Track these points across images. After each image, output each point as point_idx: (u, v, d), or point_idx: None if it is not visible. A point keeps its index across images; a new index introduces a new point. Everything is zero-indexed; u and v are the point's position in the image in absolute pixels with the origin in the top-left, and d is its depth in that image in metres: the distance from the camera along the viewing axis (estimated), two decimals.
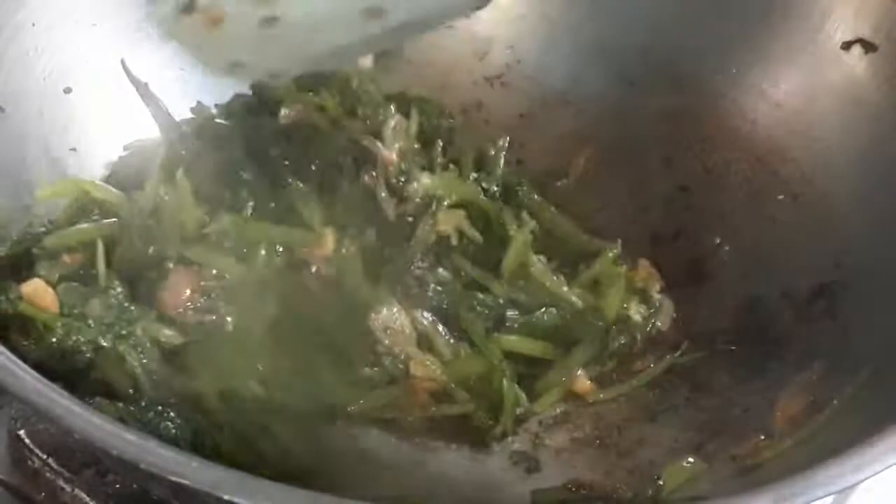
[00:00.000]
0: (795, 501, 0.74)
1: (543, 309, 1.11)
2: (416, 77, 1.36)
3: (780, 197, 1.23)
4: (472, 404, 1.05)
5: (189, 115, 1.22)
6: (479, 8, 1.00)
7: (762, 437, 1.01)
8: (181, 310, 1.02)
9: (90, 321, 0.98)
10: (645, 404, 1.11)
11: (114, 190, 1.10)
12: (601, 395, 1.10)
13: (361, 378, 1.04)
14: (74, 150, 1.20)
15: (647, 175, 1.29)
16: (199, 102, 1.21)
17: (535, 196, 1.22)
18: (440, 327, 1.07)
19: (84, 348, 0.97)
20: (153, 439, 0.76)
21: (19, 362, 0.83)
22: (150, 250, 1.04)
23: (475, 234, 1.13)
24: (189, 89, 1.28)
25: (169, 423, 0.93)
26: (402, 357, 1.05)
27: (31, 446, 1.03)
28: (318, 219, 1.07)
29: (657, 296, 1.18)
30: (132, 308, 1.00)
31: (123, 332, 0.98)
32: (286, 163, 1.11)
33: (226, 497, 0.71)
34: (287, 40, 0.99)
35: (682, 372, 1.13)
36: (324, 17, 0.97)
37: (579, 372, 1.10)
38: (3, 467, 1.04)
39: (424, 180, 1.12)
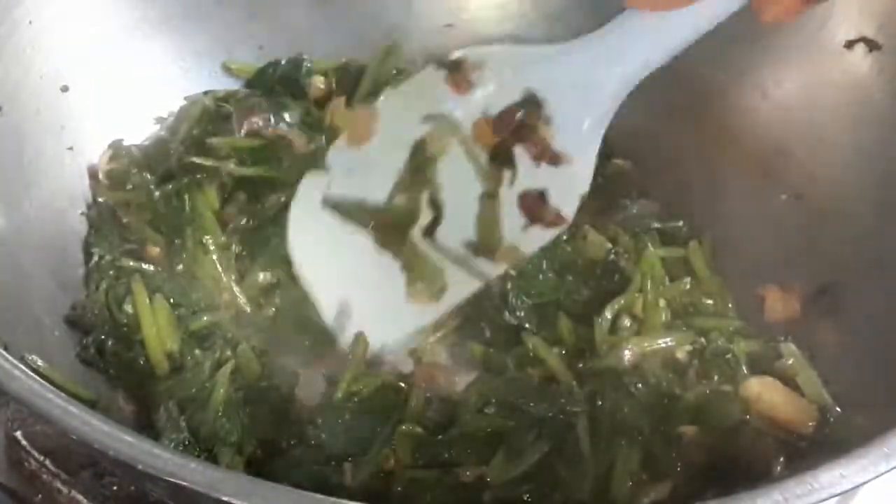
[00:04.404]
0: (799, 502, 0.73)
1: None
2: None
3: (783, 196, 1.22)
4: None
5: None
6: None
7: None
8: None
9: None
10: None
11: None
12: None
13: None
14: (71, 149, 1.20)
15: (649, 174, 1.28)
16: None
17: None
18: None
19: None
20: (149, 440, 0.75)
21: (16, 363, 0.82)
22: None
23: None
24: (183, 84, 1.31)
25: None
26: None
27: (28, 448, 1.03)
28: None
29: None
30: None
31: None
32: None
33: (223, 498, 0.70)
34: None
35: None
36: None
37: None
38: (0, 470, 1.03)
39: None
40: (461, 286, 1.06)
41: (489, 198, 1.02)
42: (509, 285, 1.13)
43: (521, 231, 1.02)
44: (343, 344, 1.09)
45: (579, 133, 1.01)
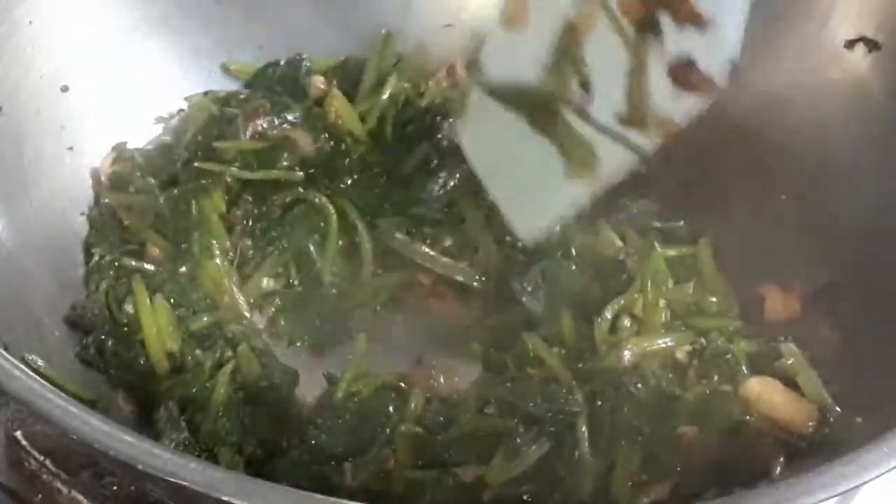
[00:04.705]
0: (800, 502, 0.73)
1: None
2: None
3: (783, 196, 1.22)
4: None
5: (179, 108, 1.29)
6: None
7: None
8: None
9: None
10: None
11: None
12: None
13: None
14: (71, 149, 1.20)
15: (649, 173, 1.28)
16: None
17: None
18: None
19: None
20: (149, 440, 0.75)
21: (16, 363, 0.82)
22: None
23: None
24: (182, 84, 1.32)
25: None
26: None
27: (29, 448, 1.03)
28: None
29: None
30: None
31: None
32: None
33: (223, 498, 0.70)
34: None
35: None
36: None
37: None
38: (0, 469, 1.03)
39: None
40: (617, 161, 1.07)
41: (638, 69, 1.02)
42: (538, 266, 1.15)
43: (671, 101, 1.01)
44: (519, 233, 1.13)
45: None
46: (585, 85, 1.05)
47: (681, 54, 1.00)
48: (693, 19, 0.98)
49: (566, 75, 1.06)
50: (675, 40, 1.00)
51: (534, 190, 1.12)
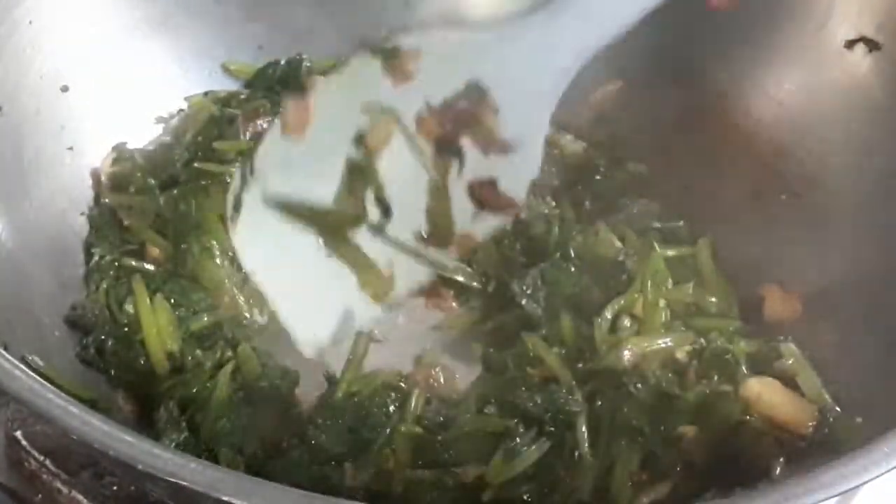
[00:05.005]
0: (800, 502, 0.73)
1: None
2: None
3: (783, 196, 1.22)
4: None
5: (179, 108, 1.29)
6: None
7: None
8: None
9: None
10: None
11: None
12: None
13: None
14: (71, 149, 1.20)
15: (650, 174, 1.28)
16: None
17: None
18: None
19: None
20: (149, 440, 0.75)
21: (16, 363, 0.82)
22: None
23: None
24: (182, 84, 1.32)
25: None
26: None
27: (29, 448, 1.03)
28: None
29: None
30: None
31: None
32: None
33: (223, 498, 0.70)
34: None
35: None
36: None
37: None
38: (0, 469, 1.03)
39: None
40: (415, 278, 1.03)
41: (438, 189, 0.98)
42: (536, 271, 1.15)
43: (472, 218, 0.98)
44: (300, 345, 1.07)
45: (527, 119, 0.96)
46: (382, 204, 1.00)
47: (481, 175, 0.97)
48: (495, 144, 0.96)
49: (359, 192, 1.00)
50: (477, 161, 0.97)
51: (322, 302, 1.04)
